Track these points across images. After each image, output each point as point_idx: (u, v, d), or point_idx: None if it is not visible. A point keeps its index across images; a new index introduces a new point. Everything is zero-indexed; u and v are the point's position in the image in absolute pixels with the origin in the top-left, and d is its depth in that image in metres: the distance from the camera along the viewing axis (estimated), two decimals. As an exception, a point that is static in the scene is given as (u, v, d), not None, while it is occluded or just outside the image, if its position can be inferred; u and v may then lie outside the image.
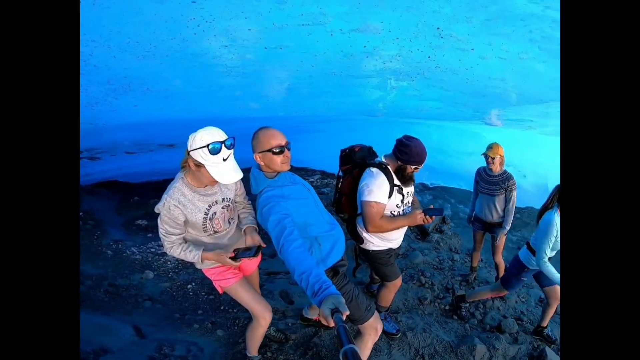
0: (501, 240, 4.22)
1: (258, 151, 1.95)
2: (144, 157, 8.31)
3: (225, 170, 1.83)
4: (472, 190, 4.46)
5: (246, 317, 3.27)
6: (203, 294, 3.75)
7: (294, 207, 1.92)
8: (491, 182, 3.96)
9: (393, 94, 6.82)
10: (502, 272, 4.45)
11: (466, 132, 9.97)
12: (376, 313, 2.24)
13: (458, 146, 9.88)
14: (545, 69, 4.77)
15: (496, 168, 3.88)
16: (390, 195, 2.41)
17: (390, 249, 2.72)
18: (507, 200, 3.96)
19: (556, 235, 2.78)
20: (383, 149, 2.70)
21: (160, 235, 1.96)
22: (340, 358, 1.05)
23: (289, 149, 1.97)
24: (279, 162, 1.95)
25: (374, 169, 2.41)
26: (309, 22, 4.05)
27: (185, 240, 2.07)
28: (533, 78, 5.16)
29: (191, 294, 3.75)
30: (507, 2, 3.51)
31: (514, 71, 5.06)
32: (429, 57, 4.93)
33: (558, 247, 2.92)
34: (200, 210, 1.98)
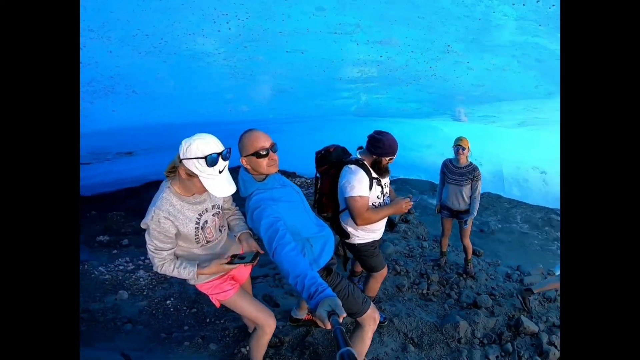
0: (468, 225, 4.52)
1: (243, 155, 1.93)
2: (99, 167, 7.75)
3: (220, 183, 1.75)
4: (436, 182, 4.74)
5: (236, 327, 3.21)
6: (184, 308, 3.61)
7: (284, 209, 1.91)
8: (458, 173, 4.23)
9: (375, 97, 7.22)
10: (470, 254, 4.82)
11: (425, 127, 10.44)
12: (372, 304, 2.31)
13: (417, 140, 10.32)
14: (519, 77, 5.63)
15: (464, 160, 4.17)
16: (370, 188, 2.51)
17: (374, 241, 2.83)
18: (473, 189, 4.25)
19: None
20: (349, 146, 2.86)
21: (149, 253, 1.83)
22: None
23: (274, 151, 1.95)
24: (265, 165, 1.92)
25: (352, 166, 2.50)
26: (341, 31, 4.26)
27: (177, 256, 1.95)
28: (508, 83, 5.98)
29: (172, 310, 3.59)
30: (503, 31, 4.23)
31: (493, 79, 5.82)
32: (430, 67, 5.43)
33: None
34: (191, 220, 1.87)
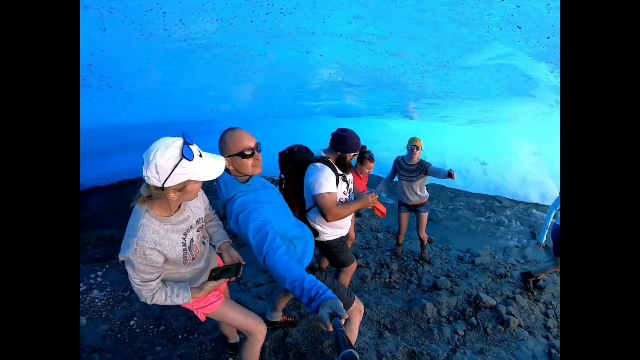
0: (424, 217, 4.88)
1: (226, 155, 1.82)
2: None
3: (210, 164, 1.54)
4: (382, 176, 4.99)
5: (212, 339, 3.11)
6: (151, 327, 3.40)
7: (269, 211, 1.87)
8: (410, 170, 4.51)
9: (346, 100, 7.47)
10: (425, 244, 5.19)
11: (375, 124, 10.82)
12: (356, 296, 2.38)
13: (366, 136, 10.72)
14: (484, 86, 6.29)
15: (416, 159, 4.44)
16: (337, 185, 2.56)
17: (342, 237, 2.91)
18: (430, 172, 4.44)
19: None
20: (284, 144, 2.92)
21: (136, 287, 1.62)
22: None
23: (259, 151, 1.89)
24: (250, 166, 1.86)
25: (318, 164, 2.53)
26: (367, 40, 4.34)
27: (164, 282, 1.78)
28: (475, 91, 6.67)
29: (138, 331, 3.36)
30: (492, 50, 4.65)
31: (465, 88, 6.47)
32: (422, 76, 5.78)
33: None
34: (177, 243, 1.68)
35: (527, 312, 4.10)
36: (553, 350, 3.38)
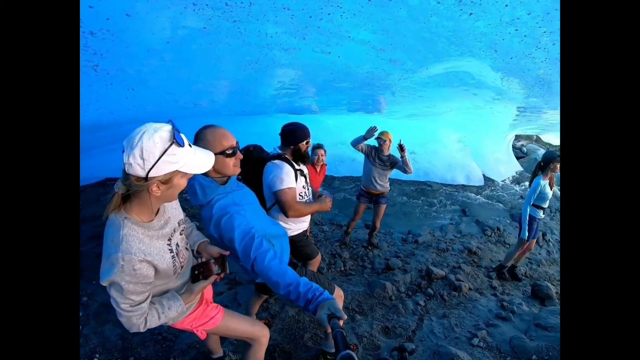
0: (383, 208, 5.17)
1: None
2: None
3: (200, 155, 1.36)
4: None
5: (205, 353, 2.88)
6: None
7: (249, 213, 1.80)
8: (384, 160, 4.79)
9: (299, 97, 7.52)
10: (376, 231, 5.46)
11: (311, 120, 11.00)
12: (334, 284, 2.44)
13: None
14: (439, 86, 6.83)
15: (386, 150, 4.70)
16: (296, 180, 2.60)
17: (304, 231, 2.97)
18: (398, 166, 4.77)
19: (539, 192, 4.14)
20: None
21: (125, 314, 1.34)
22: None
23: (240, 150, 1.82)
24: (232, 166, 1.76)
25: (276, 161, 2.53)
26: (378, 47, 4.44)
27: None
28: (427, 90, 7.15)
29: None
30: (464, 62, 5.24)
31: (419, 87, 6.86)
32: (399, 79, 6.14)
33: (543, 198, 4.22)
34: (164, 250, 1.44)
35: (473, 277, 4.55)
36: (504, 303, 3.88)
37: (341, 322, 1.26)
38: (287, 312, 3.37)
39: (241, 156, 1.82)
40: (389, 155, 4.76)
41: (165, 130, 1.22)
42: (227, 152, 1.69)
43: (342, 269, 4.81)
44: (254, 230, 1.64)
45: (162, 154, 1.20)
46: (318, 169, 4.48)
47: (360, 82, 6.31)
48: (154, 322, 1.44)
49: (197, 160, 1.33)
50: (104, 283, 1.26)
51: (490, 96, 7.61)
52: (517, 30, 3.93)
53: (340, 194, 8.86)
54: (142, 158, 1.18)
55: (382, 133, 4.67)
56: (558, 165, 4.06)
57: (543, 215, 4.36)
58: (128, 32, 3.35)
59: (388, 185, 4.99)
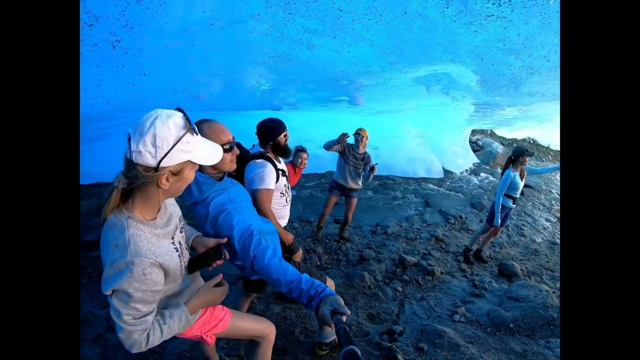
0: (354, 202, 5.27)
1: None
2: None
3: (210, 146, 1.29)
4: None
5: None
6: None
7: (246, 209, 1.79)
8: (359, 158, 4.85)
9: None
10: (348, 225, 5.58)
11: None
12: (326, 275, 2.52)
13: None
14: (418, 86, 7.22)
15: (362, 148, 4.79)
16: (277, 179, 2.61)
17: (285, 227, 2.97)
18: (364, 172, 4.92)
19: (510, 183, 4.51)
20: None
21: (126, 329, 1.17)
22: (341, 359, 1.06)
23: (236, 145, 1.80)
24: (229, 161, 1.73)
25: (258, 160, 2.51)
26: (383, 52, 4.77)
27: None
28: (405, 90, 7.54)
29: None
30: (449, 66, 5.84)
31: (401, 88, 7.21)
32: (389, 79, 6.46)
33: (514, 188, 4.60)
34: (171, 249, 1.32)
35: (443, 261, 4.83)
36: (476, 282, 4.20)
37: (344, 318, 1.24)
38: (272, 310, 3.37)
39: (238, 152, 1.78)
40: (364, 153, 4.86)
41: (178, 116, 1.15)
42: (225, 147, 1.65)
43: (318, 263, 4.87)
44: (252, 228, 1.61)
45: (177, 141, 1.11)
46: (296, 170, 4.51)
47: (333, 80, 6.53)
48: (156, 339, 1.27)
49: (207, 151, 1.25)
50: (107, 292, 1.13)
51: (459, 94, 8.16)
52: (504, 45, 4.70)
53: (306, 190, 8.92)
54: (154, 145, 1.08)
55: (359, 129, 4.77)
56: (527, 159, 4.51)
57: (514, 205, 4.75)
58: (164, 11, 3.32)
59: (361, 184, 5.10)
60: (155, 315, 1.30)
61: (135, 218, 1.19)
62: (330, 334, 2.64)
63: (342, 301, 1.28)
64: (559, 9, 3.91)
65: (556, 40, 4.56)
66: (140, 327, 1.19)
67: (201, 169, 1.74)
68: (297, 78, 6.32)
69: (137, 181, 1.14)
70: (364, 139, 4.75)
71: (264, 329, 1.93)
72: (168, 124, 1.09)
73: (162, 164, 1.11)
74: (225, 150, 1.64)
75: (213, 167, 1.72)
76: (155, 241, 1.22)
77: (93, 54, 3.68)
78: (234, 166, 1.78)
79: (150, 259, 1.15)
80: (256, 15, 3.70)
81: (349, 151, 4.87)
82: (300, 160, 4.39)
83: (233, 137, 1.73)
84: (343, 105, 9.50)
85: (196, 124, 1.65)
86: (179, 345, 2.85)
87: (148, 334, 1.23)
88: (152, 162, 1.10)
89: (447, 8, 3.78)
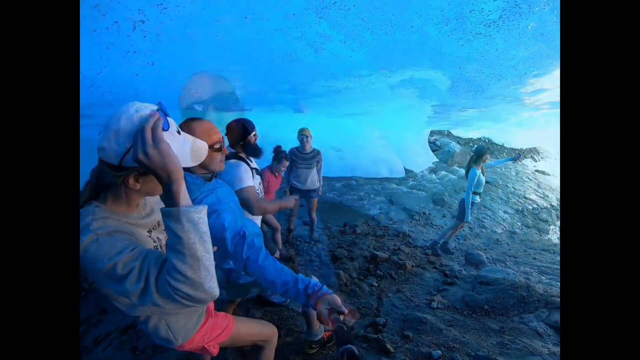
0: (315, 201, 5.33)
1: None
2: None
3: (188, 143, 1.12)
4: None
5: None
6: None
7: (236, 210, 1.77)
8: (307, 158, 4.88)
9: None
10: (314, 225, 5.64)
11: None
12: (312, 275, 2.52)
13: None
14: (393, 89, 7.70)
15: (308, 147, 4.84)
16: (253, 178, 2.63)
17: (259, 225, 2.97)
18: (318, 169, 5.00)
19: (475, 181, 4.77)
20: None
21: (130, 287, 0.96)
22: (338, 357, 1.08)
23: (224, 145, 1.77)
24: (219, 161, 1.72)
25: (232, 161, 2.51)
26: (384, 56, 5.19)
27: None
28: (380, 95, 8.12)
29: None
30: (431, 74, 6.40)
31: (379, 92, 7.67)
32: (373, 83, 6.82)
33: (480, 184, 4.92)
34: (146, 238, 1.20)
35: (412, 256, 5.04)
36: (446, 272, 4.43)
37: (342, 317, 1.24)
38: (253, 315, 3.33)
39: (227, 151, 1.77)
40: (312, 151, 4.91)
41: (149, 109, 0.99)
42: (215, 146, 1.64)
43: (292, 265, 4.89)
44: (244, 229, 1.59)
45: None
46: (277, 175, 4.49)
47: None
48: (187, 268, 0.95)
49: (186, 149, 1.09)
50: (100, 287, 1.03)
51: (429, 97, 8.76)
52: (483, 56, 5.45)
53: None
54: (116, 142, 0.96)
55: (303, 129, 4.80)
56: (488, 157, 4.89)
57: (480, 199, 5.08)
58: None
59: (318, 184, 5.11)
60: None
61: (103, 207, 1.08)
62: (319, 332, 2.66)
63: (339, 300, 1.28)
64: (534, 30, 4.58)
65: (527, 53, 5.27)
66: (139, 289, 0.96)
67: (190, 168, 1.69)
68: (294, 80, 6.59)
69: (104, 180, 1.05)
70: (309, 138, 4.80)
71: (268, 333, 1.89)
72: (133, 118, 0.96)
73: (124, 164, 0.99)
74: (216, 150, 1.63)
75: (202, 166, 1.69)
76: (123, 226, 1.08)
77: (108, 34, 3.33)
78: (223, 166, 1.77)
79: (106, 230, 1.01)
80: (291, 15, 3.83)
81: (297, 155, 4.91)
82: (282, 168, 4.35)
83: (222, 137, 1.72)
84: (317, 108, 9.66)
85: (186, 121, 1.63)
86: (168, 357, 2.73)
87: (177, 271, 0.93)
88: (114, 161, 0.99)
89: (446, 25, 4.26)
